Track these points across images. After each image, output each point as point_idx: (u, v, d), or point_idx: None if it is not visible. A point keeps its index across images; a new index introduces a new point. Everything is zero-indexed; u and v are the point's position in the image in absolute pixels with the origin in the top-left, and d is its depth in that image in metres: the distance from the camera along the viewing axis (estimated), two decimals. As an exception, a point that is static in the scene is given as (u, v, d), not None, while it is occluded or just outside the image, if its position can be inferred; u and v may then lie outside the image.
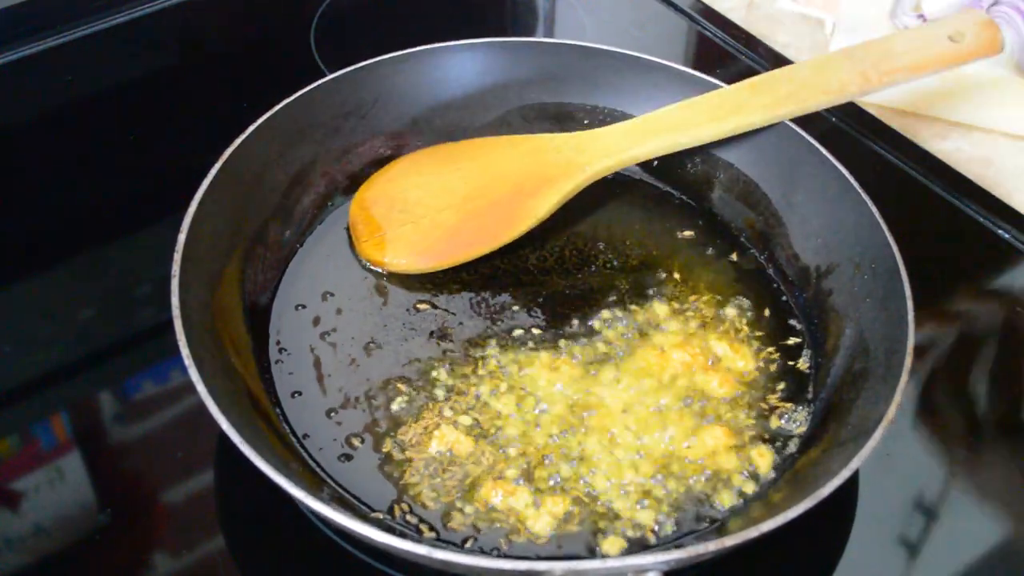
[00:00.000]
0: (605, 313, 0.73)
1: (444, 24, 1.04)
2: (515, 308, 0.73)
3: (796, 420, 0.67)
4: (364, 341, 0.71)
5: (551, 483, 0.63)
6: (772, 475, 0.64)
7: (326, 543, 0.62)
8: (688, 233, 0.80)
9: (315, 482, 0.62)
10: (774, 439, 0.66)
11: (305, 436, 0.65)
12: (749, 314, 0.74)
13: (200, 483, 0.65)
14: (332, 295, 0.74)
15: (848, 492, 0.64)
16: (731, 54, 1.01)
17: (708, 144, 0.79)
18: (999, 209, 0.84)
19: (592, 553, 0.60)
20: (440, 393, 0.67)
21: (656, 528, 0.61)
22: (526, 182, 0.78)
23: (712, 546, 0.52)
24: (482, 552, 0.60)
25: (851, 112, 0.92)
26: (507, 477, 0.63)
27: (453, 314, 0.73)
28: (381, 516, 0.61)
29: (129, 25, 1.01)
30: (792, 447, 0.66)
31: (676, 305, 0.74)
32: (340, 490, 0.62)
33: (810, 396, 0.69)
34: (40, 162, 0.88)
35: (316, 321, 0.72)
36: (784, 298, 0.75)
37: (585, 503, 0.62)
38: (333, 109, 0.79)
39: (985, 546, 0.64)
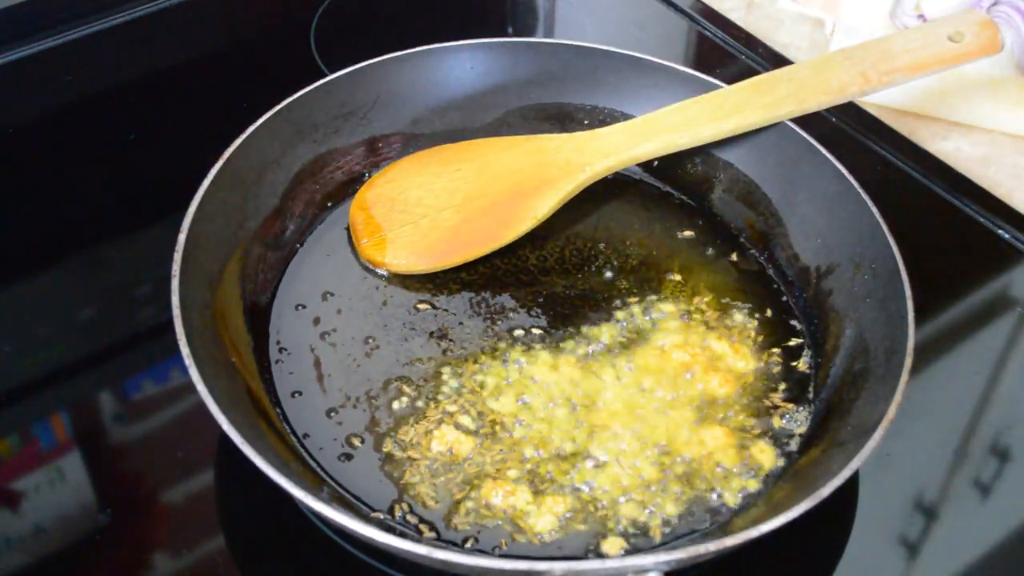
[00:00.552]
0: (605, 313, 0.73)
1: (444, 24, 1.04)
2: (515, 308, 0.73)
3: (796, 420, 0.67)
4: (364, 341, 0.71)
5: (551, 483, 0.63)
6: (772, 475, 0.64)
7: (326, 543, 0.62)
8: (688, 233, 0.80)
9: (315, 482, 0.62)
10: (774, 439, 0.66)
11: (305, 436, 0.65)
12: (749, 314, 0.74)
13: (200, 483, 0.65)
14: (332, 295, 0.74)
15: (848, 492, 0.64)
16: (731, 54, 1.01)
17: (708, 144, 0.79)
18: (999, 209, 0.84)
19: (592, 553, 0.60)
20: (440, 393, 0.67)
21: (656, 528, 0.61)
22: (526, 182, 0.78)
23: (712, 546, 0.52)
24: (482, 552, 0.60)
25: (851, 112, 0.92)
26: (507, 477, 0.63)
27: (453, 314, 0.73)
28: (381, 516, 0.61)
29: (129, 25, 1.01)
30: (792, 447, 0.66)
31: (676, 305, 0.74)
32: (340, 490, 0.62)
33: (810, 396, 0.69)
34: (40, 162, 0.88)
35: (316, 321, 0.72)
36: (784, 298, 0.75)
37: (585, 503, 0.62)
38: (333, 109, 0.80)
39: (985, 546, 0.64)
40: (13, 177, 0.87)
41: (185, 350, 0.59)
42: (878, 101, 0.94)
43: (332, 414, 0.66)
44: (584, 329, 0.72)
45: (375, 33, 1.02)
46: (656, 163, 0.83)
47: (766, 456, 0.65)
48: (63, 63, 0.97)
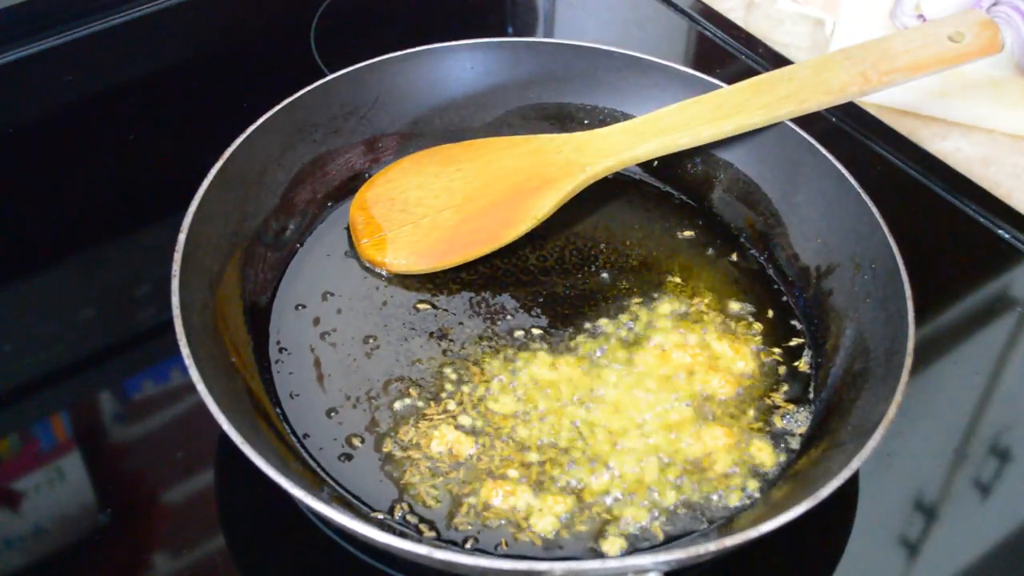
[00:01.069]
0: (605, 313, 0.73)
1: (444, 24, 1.04)
2: (515, 308, 0.73)
3: (797, 420, 0.67)
4: (364, 341, 0.71)
5: (551, 483, 0.63)
6: (772, 475, 0.64)
7: (326, 543, 0.62)
8: (688, 233, 0.80)
9: (315, 482, 0.62)
10: (774, 439, 0.66)
11: (305, 436, 0.65)
12: (749, 314, 0.74)
13: (200, 483, 0.65)
14: (332, 295, 0.74)
15: (848, 492, 0.64)
16: (731, 54, 1.01)
17: (708, 144, 0.79)
18: (999, 209, 0.84)
19: (593, 553, 0.60)
20: (440, 393, 0.67)
21: (656, 528, 0.61)
22: (526, 182, 0.78)
23: (712, 546, 0.52)
24: (483, 552, 0.60)
25: (851, 112, 0.92)
26: (507, 477, 0.63)
27: (453, 314, 0.73)
28: (381, 516, 0.61)
29: (129, 25, 1.01)
30: (792, 447, 0.66)
31: (676, 305, 0.74)
32: (340, 490, 0.62)
33: (810, 396, 0.69)
34: (40, 162, 0.88)
35: (316, 321, 0.72)
36: (784, 298, 0.75)
37: (585, 503, 0.62)
38: (333, 109, 0.80)
39: (985, 546, 0.64)
40: (13, 177, 0.87)
41: (185, 350, 0.59)
42: (878, 101, 0.94)
43: (332, 414, 0.66)
44: (584, 329, 0.72)
45: (375, 33, 1.02)
46: (656, 163, 0.83)
47: (766, 456, 0.65)
48: (63, 63, 0.97)
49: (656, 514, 0.61)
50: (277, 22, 1.05)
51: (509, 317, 0.73)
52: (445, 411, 0.66)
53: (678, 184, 0.83)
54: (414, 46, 0.82)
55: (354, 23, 1.03)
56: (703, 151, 0.80)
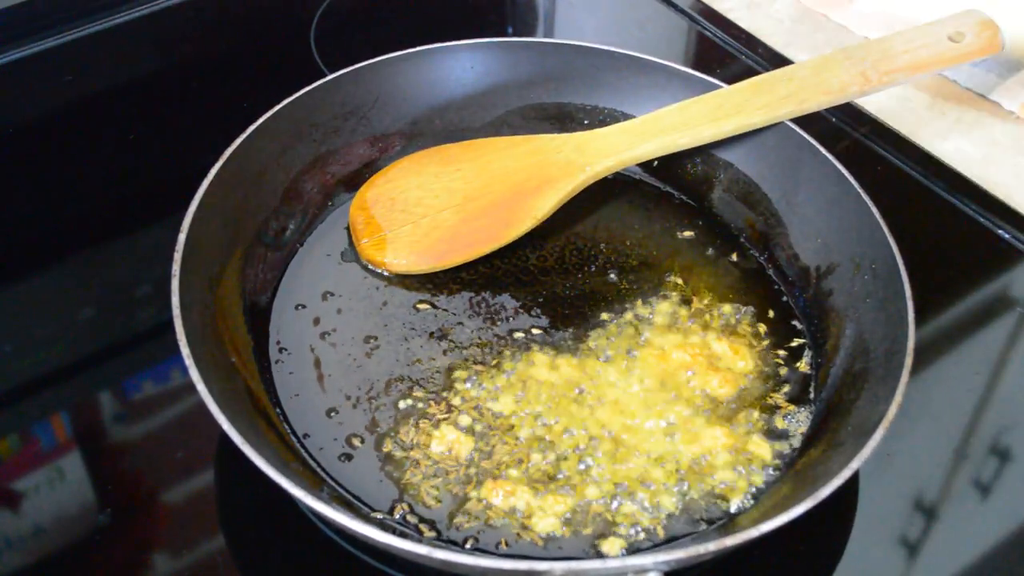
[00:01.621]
0: (605, 313, 0.73)
1: (444, 24, 1.05)
2: (515, 308, 0.73)
3: (797, 420, 0.67)
4: (364, 341, 0.71)
5: (551, 483, 0.63)
6: (773, 475, 0.64)
7: (326, 543, 0.62)
8: (688, 233, 0.80)
9: (315, 482, 0.62)
10: (775, 439, 0.66)
11: (305, 436, 0.65)
12: (749, 314, 0.74)
13: (200, 483, 0.65)
14: (332, 295, 0.74)
15: (848, 492, 0.64)
16: (731, 54, 1.01)
17: (708, 144, 0.79)
18: (999, 209, 0.84)
19: (593, 553, 0.60)
20: (440, 393, 0.67)
21: (656, 528, 0.61)
22: (526, 182, 0.78)
23: (712, 546, 0.52)
24: (483, 552, 0.60)
25: (851, 112, 0.92)
26: (508, 477, 0.63)
27: (453, 314, 0.73)
28: (381, 516, 0.61)
29: (129, 25, 1.01)
30: (793, 447, 0.66)
31: (676, 305, 0.74)
32: (340, 490, 0.62)
33: (811, 396, 0.69)
34: (40, 162, 0.88)
35: (316, 321, 0.72)
36: (784, 298, 0.75)
37: (586, 503, 0.62)
38: (333, 109, 0.80)
39: (985, 546, 0.64)
40: (13, 177, 0.87)
41: (185, 350, 0.59)
42: (878, 101, 0.94)
43: (332, 414, 0.66)
44: (584, 329, 0.72)
45: (375, 33, 1.02)
46: (656, 163, 0.83)
47: (766, 456, 0.65)
48: (63, 63, 0.97)
49: (656, 514, 0.61)
50: (277, 22, 1.05)
51: (509, 317, 0.73)
52: (445, 411, 0.66)
53: (678, 184, 0.83)
54: (414, 46, 0.82)
55: (354, 23, 1.03)
56: (703, 151, 0.80)
